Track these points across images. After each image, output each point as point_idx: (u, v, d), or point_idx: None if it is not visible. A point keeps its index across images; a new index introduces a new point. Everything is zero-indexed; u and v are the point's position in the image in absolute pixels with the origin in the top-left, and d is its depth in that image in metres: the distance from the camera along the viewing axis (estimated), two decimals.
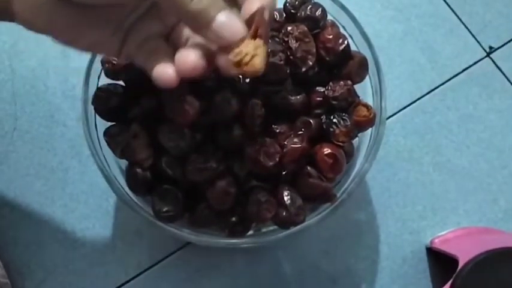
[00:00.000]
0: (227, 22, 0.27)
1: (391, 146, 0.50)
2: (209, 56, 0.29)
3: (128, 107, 0.37)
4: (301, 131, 0.37)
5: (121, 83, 0.39)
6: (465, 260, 0.41)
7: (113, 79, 0.39)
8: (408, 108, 0.51)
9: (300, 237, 0.47)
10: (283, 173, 0.38)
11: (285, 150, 0.36)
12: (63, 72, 0.50)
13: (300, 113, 0.38)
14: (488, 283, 0.40)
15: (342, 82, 0.38)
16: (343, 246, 0.47)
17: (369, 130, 0.40)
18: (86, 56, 0.39)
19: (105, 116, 0.38)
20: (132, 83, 0.38)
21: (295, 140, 0.36)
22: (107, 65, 0.38)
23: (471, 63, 0.53)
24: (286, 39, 0.37)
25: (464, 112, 0.52)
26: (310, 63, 0.37)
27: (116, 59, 0.38)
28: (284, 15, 0.40)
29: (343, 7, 0.41)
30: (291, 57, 0.36)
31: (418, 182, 0.49)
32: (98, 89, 0.38)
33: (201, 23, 0.27)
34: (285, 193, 0.37)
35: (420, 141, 0.51)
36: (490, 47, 0.54)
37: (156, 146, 0.36)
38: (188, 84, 0.35)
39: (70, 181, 0.47)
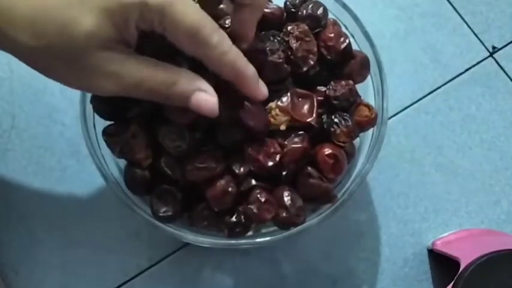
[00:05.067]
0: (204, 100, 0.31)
1: (392, 146, 0.50)
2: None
3: (127, 106, 0.37)
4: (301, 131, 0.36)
5: None
6: (467, 262, 0.40)
7: None
8: (410, 108, 0.51)
9: (300, 238, 0.46)
10: (284, 173, 0.37)
11: (285, 150, 0.35)
12: None
13: None
14: (490, 285, 0.40)
15: (343, 82, 0.37)
16: (344, 247, 0.47)
17: (371, 130, 0.40)
18: None
19: (103, 115, 0.38)
20: None
21: (296, 139, 0.36)
22: None
23: (474, 63, 0.53)
24: (286, 38, 0.36)
25: (467, 112, 0.51)
26: (311, 62, 0.37)
27: None
28: (285, 14, 0.40)
29: (345, 6, 0.40)
30: (292, 57, 0.36)
31: (420, 183, 0.49)
32: None
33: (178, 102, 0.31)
34: (285, 193, 0.36)
35: (422, 141, 0.50)
36: (493, 47, 0.53)
37: (155, 146, 0.36)
38: None
39: (68, 180, 0.47)
